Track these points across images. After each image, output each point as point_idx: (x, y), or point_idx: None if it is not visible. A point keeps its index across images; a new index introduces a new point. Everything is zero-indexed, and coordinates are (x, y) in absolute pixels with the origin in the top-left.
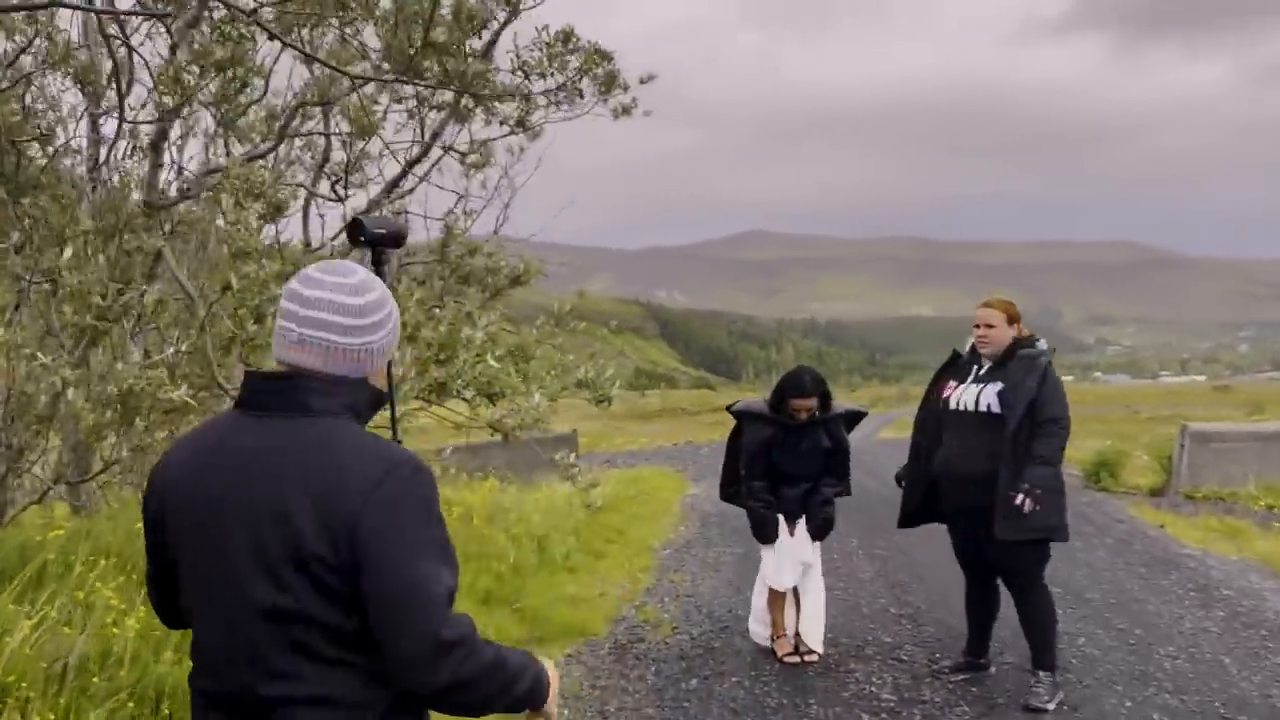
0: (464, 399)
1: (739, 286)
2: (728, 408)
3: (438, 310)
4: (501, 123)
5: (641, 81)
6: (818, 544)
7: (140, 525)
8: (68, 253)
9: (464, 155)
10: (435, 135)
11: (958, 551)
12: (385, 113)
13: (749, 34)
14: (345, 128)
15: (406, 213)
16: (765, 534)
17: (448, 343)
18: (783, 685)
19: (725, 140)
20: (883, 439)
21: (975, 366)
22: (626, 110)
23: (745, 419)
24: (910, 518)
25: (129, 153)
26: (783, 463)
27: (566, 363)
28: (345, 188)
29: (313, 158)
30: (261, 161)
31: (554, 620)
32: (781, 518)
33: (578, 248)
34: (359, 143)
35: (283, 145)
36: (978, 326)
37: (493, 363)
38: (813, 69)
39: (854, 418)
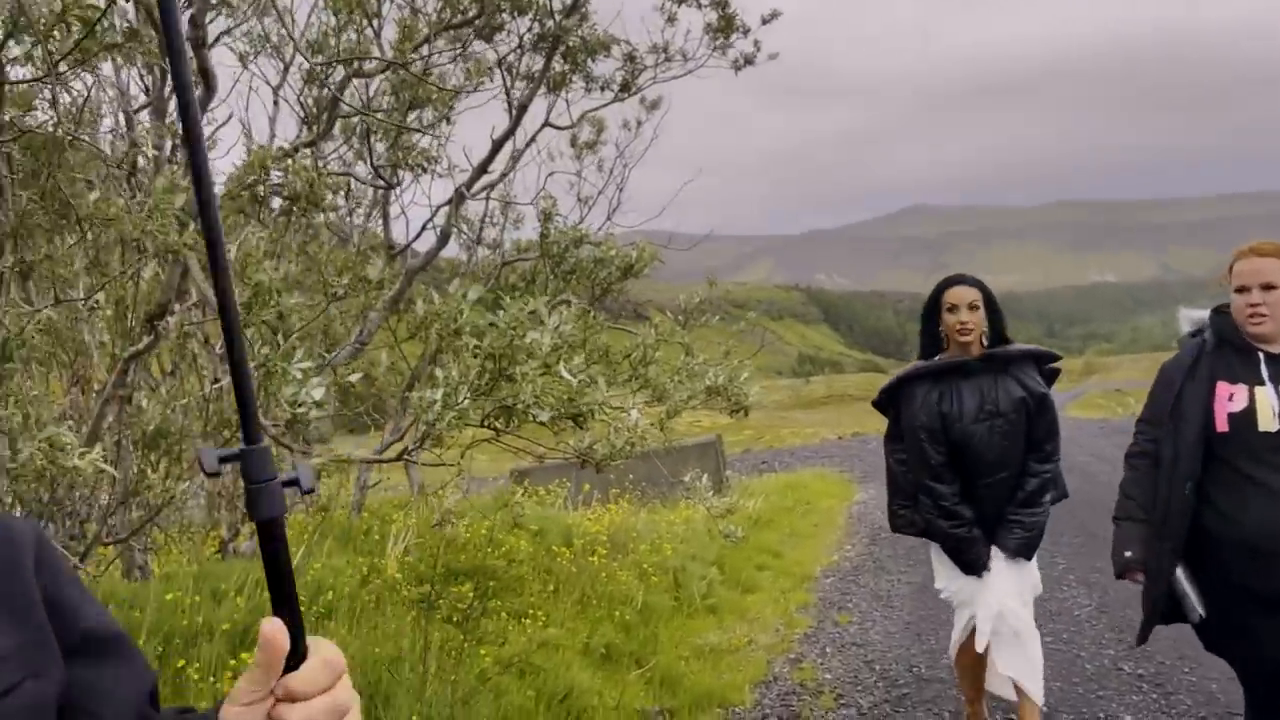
0: (540, 422)
1: (903, 264)
2: (873, 402)
3: (500, 312)
4: (603, 88)
5: (764, 21)
6: (1020, 562)
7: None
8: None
9: (570, 130)
10: (523, 107)
11: (1261, 660)
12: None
13: (900, 4)
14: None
15: (509, 200)
16: (972, 565)
17: (506, 352)
18: None
19: (882, 116)
20: (1072, 416)
21: (1259, 355)
22: (749, 60)
23: (900, 391)
24: (1162, 618)
25: (171, 154)
26: (966, 436)
27: (693, 367)
28: (386, 169)
29: (388, 148)
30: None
31: (689, 684)
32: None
33: (738, 236)
34: (421, 120)
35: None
36: (1244, 290)
37: (566, 374)
38: (969, 35)
39: (1042, 360)
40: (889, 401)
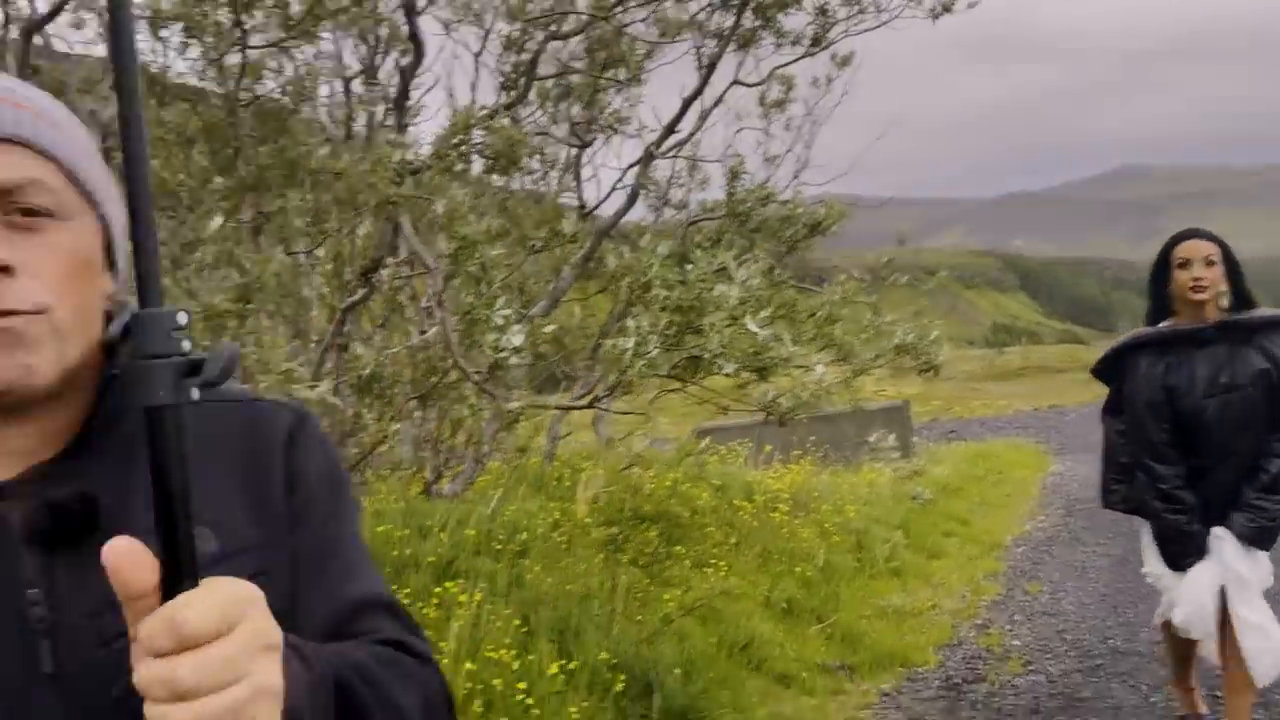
0: (725, 374)
1: (1110, 229)
2: (1093, 370)
3: (690, 267)
4: (794, 43)
5: None
6: (1254, 550)
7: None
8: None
9: (758, 88)
10: (712, 66)
11: None
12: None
13: None
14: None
15: (696, 159)
16: (1177, 559)
17: (695, 305)
18: None
19: (1089, 71)
20: None
21: None
22: (946, 8)
23: (1122, 361)
24: None
25: (383, 117)
26: (1196, 413)
27: (879, 326)
28: (585, 128)
29: (583, 108)
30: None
31: (870, 643)
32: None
33: (929, 200)
34: (610, 82)
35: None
36: None
37: (753, 327)
38: None
39: None
40: (1110, 371)
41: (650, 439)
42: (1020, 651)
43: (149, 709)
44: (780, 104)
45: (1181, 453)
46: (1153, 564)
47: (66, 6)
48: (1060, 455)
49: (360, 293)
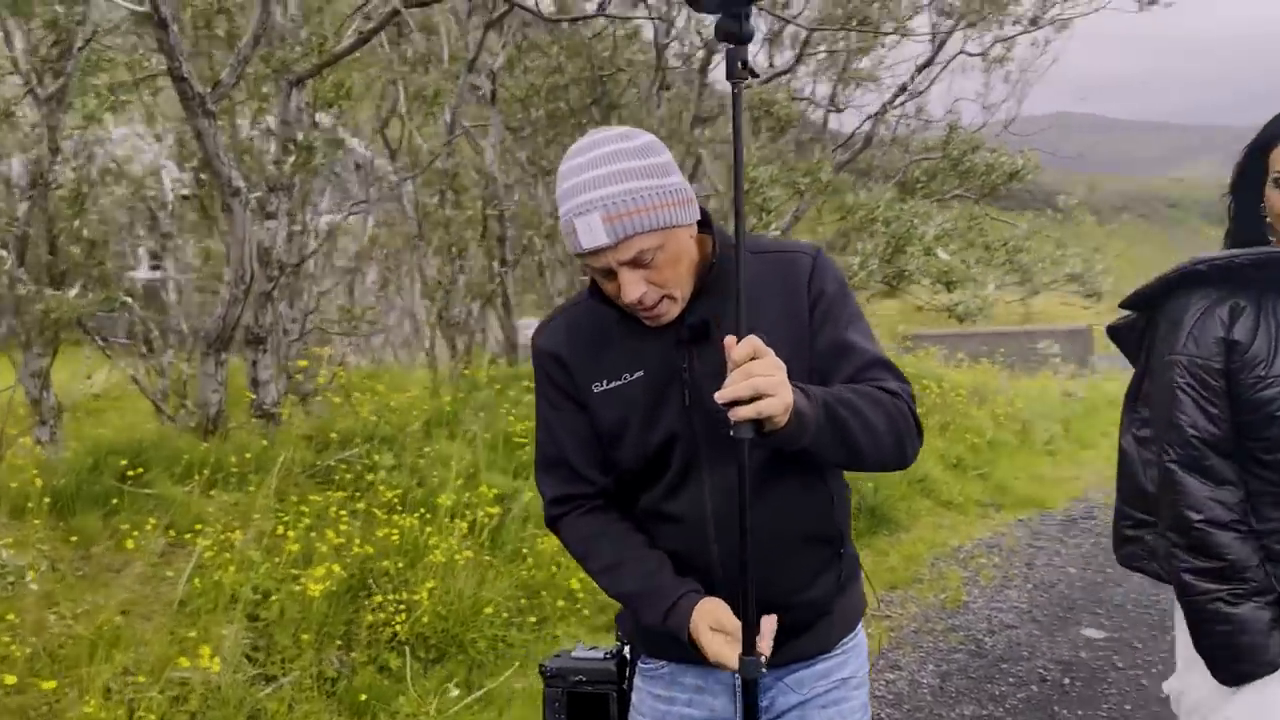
0: (921, 285)
1: None
2: (1109, 328)
3: (902, 207)
4: (1015, 22)
5: None
6: None
7: None
8: None
9: (979, 57)
10: (943, 43)
11: None
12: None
13: None
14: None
15: (921, 112)
16: (1241, 665)
17: (904, 235)
18: None
19: None
20: None
21: None
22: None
23: (1164, 301)
24: None
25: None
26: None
27: (1055, 257)
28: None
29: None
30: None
31: (1014, 490)
32: None
33: (1179, 126)
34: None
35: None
36: None
37: (943, 255)
38: None
39: None
40: (1135, 333)
41: None
42: None
43: (730, 385)
44: (1000, 60)
45: (1238, 469)
46: (1184, 677)
47: None
48: None
49: None
